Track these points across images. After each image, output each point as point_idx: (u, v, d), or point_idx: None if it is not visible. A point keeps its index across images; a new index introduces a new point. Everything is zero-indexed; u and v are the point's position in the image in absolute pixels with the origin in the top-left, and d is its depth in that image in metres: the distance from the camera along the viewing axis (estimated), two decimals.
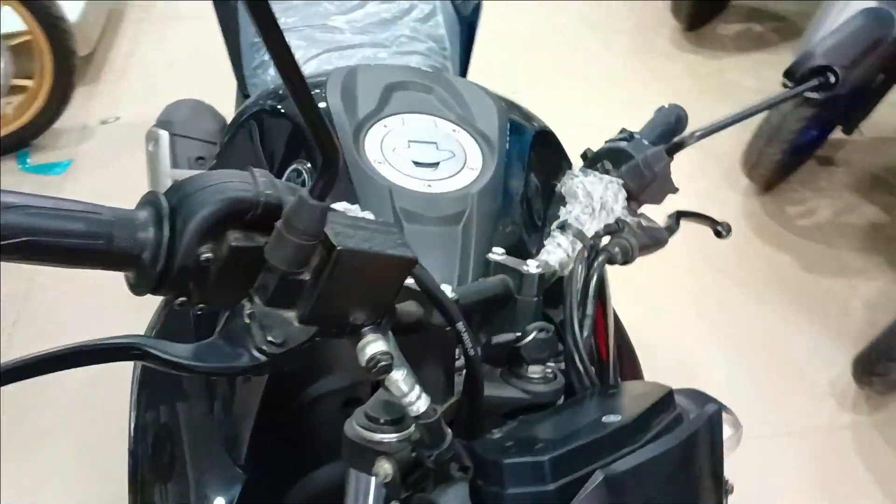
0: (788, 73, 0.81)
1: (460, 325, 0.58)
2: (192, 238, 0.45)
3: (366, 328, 0.51)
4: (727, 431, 0.79)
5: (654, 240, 0.81)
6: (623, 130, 0.85)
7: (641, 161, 0.78)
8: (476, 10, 1.54)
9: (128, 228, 0.45)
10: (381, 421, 0.56)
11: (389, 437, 0.57)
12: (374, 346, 0.51)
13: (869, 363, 1.76)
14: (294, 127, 0.88)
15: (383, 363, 0.50)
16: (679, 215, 0.90)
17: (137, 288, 0.46)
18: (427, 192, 0.79)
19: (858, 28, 0.83)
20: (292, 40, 1.32)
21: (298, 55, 1.31)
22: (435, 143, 0.84)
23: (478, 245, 0.77)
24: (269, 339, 0.47)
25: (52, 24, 2.44)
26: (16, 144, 2.61)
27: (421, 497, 0.57)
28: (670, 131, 0.87)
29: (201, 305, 0.47)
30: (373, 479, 0.58)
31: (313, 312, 0.49)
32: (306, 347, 0.50)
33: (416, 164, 0.82)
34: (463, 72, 1.49)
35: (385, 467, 0.57)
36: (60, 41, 2.49)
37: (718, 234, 0.96)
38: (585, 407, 0.65)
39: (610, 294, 1.03)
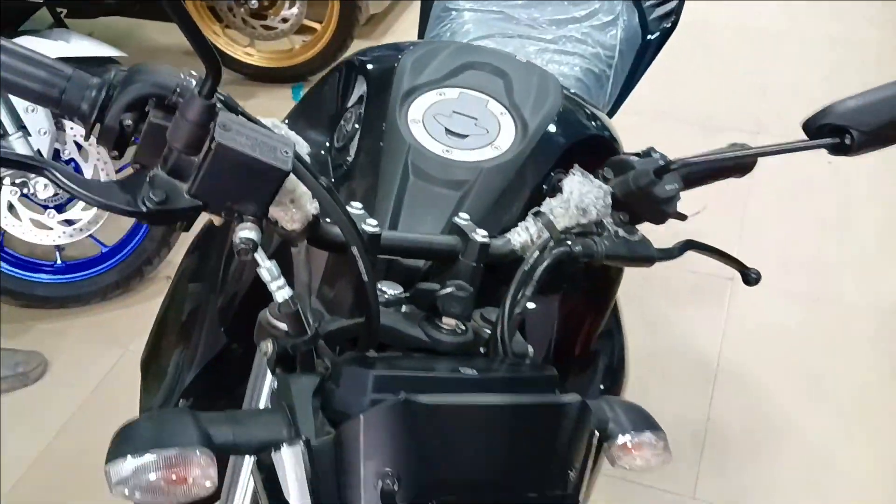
0: (805, 125, 0.78)
1: (354, 250, 0.67)
2: (119, 106, 0.60)
3: (246, 218, 0.63)
4: (651, 451, 0.79)
5: (633, 253, 0.83)
6: (650, 148, 0.87)
7: (632, 174, 0.81)
8: (665, 34, 1.55)
9: (79, 87, 0.61)
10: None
11: (275, 323, 0.68)
12: (243, 232, 0.62)
13: None
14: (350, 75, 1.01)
15: (244, 248, 0.62)
16: (688, 244, 0.90)
17: (85, 134, 0.62)
18: (442, 157, 0.88)
19: (889, 97, 0.77)
20: (467, 23, 1.44)
21: (467, 35, 1.43)
22: (476, 118, 0.92)
23: (471, 214, 0.84)
24: (152, 196, 0.61)
25: None
26: (294, 76, 3.02)
27: (284, 376, 0.68)
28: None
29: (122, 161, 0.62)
30: (259, 353, 0.71)
31: (198, 189, 0.61)
32: (190, 216, 0.62)
33: (448, 131, 0.91)
34: (628, 84, 1.52)
35: (267, 345, 0.69)
36: None
37: (746, 280, 0.94)
38: (466, 362, 0.71)
39: (620, 314, 1.05)
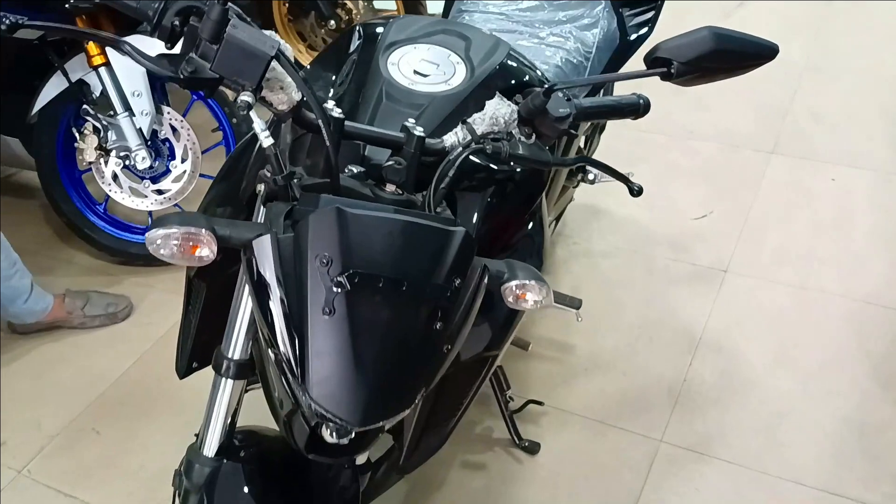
0: (644, 58, 1.09)
1: (321, 123, 1.03)
2: (171, 12, 0.99)
3: (246, 87, 0.99)
4: (534, 295, 1.10)
5: (532, 155, 1.15)
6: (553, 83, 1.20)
7: (530, 96, 1.13)
8: (642, 39, 1.87)
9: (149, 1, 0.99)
10: None
11: (267, 173, 1.04)
12: (242, 97, 0.98)
13: None
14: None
15: (242, 106, 0.98)
16: (582, 159, 1.23)
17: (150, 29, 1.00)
18: (407, 87, 1.23)
19: (701, 36, 1.08)
20: (475, 21, 1.80)
21: None
22: (438, 64, 1.27)
23: (423, 127, 1.18)
24: (188, 68, 0.98)
25: None
26: None
27: (270, 204, 1.04)
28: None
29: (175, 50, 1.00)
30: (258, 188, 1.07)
31: (216, 65, 0.97)
32: (210, 84, 0.99)
33: (415, 72, 1.26)
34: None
35: (261, 187, 1.06)
36: None
37: (631, 192, 1.25)
38: (396, 206, 1.04)
39: (544, 222, 1.36)
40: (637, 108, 1.20)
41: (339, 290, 0.94)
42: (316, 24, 3.32)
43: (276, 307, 0.96)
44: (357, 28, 1.38)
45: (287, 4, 3.32)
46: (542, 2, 1.84)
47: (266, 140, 1.00)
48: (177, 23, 1.00)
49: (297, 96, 1.04)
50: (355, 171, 1.11)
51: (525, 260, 1.18)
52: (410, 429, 1.26)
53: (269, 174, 1.04)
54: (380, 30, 1.33)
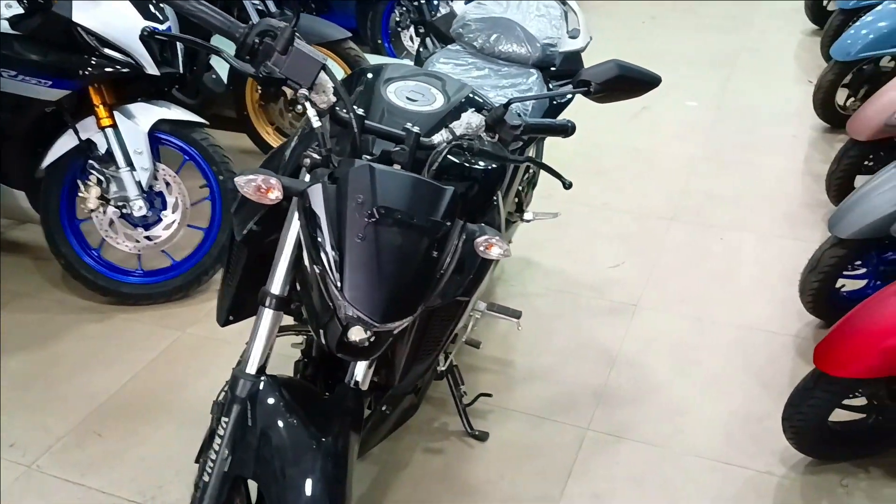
0: (572, 80, 1.60)
1: (351, 116, 1.48)
2: (253, 34, 1.44)
3: (303, 88, 1.44)
4: (498, 248, 1.55)
5: (496, 152, 1.62)
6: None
7: (493, 110, 1.61)
8: (567, 103, 2.41)
9: (234, 25, 1.45)
10: None
11: (311, 153, 1.49)
12: (301, 91, 1.43)
13: None
14: None
15: (301, 98, 1.43)
16: (528, 159, 1.70)
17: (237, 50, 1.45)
18: (402, 107, 1.70)
19: (613, 65, 1.59)
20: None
21: None
22: (423, 94, 1.76)
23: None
24: (264, 71, 1.42)
25: None
26: None
27: (314, 171, 1.47)
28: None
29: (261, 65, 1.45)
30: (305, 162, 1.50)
31: (285, 70, 1.42)
32: (279, 82, 1.43)
33: (407, 98, 1.74)
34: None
35: (307, 161, 1.49)
36: None
37: (564, 186, 1.73)
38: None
39: (501, 214, 1.81)
40: (566, 128, 1.69)
41: (369, 220, 1.36)
42: (284, 109, 3.81)
43: (323, 234, 1.38)
44: (358, 70, 1.86)
45: (259, 92, 3.81)
46: (489, 72, 2.37)
47: (316, 122, 1.45)
48: (256, 41, 1.45)
49: (333, 98, 1.50)
50: (369, 157, 1.56)
51: None
52: (402, 360, 1.65)
53: (314, 149, 1.48)
54: (377, 72, 1.82)
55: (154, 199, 2.90)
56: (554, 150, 3.10)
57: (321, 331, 1.47)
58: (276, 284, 1.55)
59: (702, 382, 2.60)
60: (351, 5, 4.77)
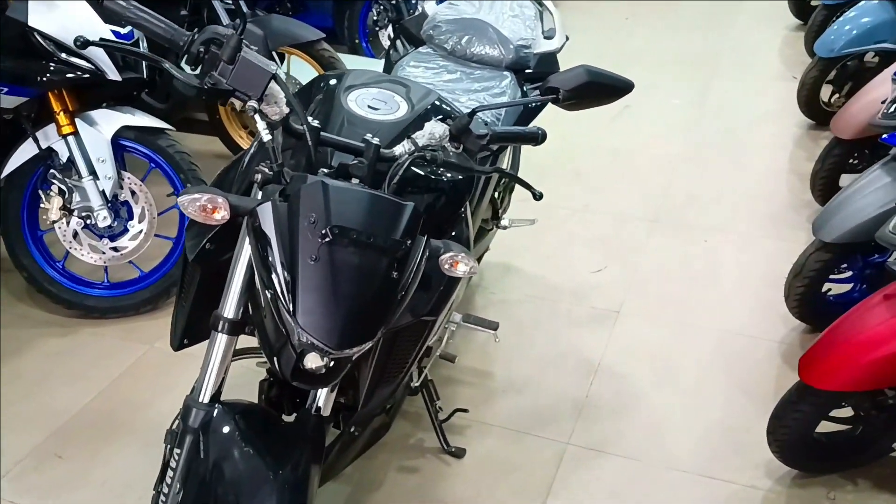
0: (540, 88, 1.51)
1: (305, 128, 1.39)
2: (198, 42, 1.35)
3: (252, 99, 1.35)
4: (464, 265, 1.46)
5: (461, 163, 1.53)
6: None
7: (458, 118, 1.53)
8: (540, 107, 2.33)
9: (180, 34, 1.36)
10: None
11: (264, 168, 1.40)
12: (250, 103, 1.34)
13: None
14: None
15: (249, 111, 1.34)
16: (497, 169, 1.62)
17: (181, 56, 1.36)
18: (362, 116, 1.62)
19: (580, 71, 1.51)
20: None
21: None
22: (385, 102, 1.67)
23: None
24: (209, 81, 1.33)
25: None
26: None
27: (266, 187, 1.38)
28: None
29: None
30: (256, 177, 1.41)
31: (231, 80, 1.33)
32: (225, 95, 1.35)
33: (369, 107, 1.65)
34: None
35: (257, 175, 1.40)
36: None
37: (535, 197, 1.64)
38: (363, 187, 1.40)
39: (470, 226, 1.73)
40: (536, 136, 1.61)
41: (322, 240, 1.28)
42: None
43: (275, 257, 1.29)
44: (318, 78, 1.77)
45: None
46: (461, 75, 2.28)
47: (266, 136, 1.36)
48: (201, 49, 1.36)
49: (286, 109, 1.41)
50: (326, 171, 1.47)
51: None
52: (366, 383, 1.57)
53: (265, 166, 1.39)
54: (339, 79, 1.73)
55: (119, 208, 2.80)
56: (533, 152, 3.01)
57: (275, 358, 1.38)
58: (230, 307, 1.47)
59: (684, 392, 2.53)
60: (328, 5, 4.67)
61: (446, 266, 1.45)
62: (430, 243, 1.42)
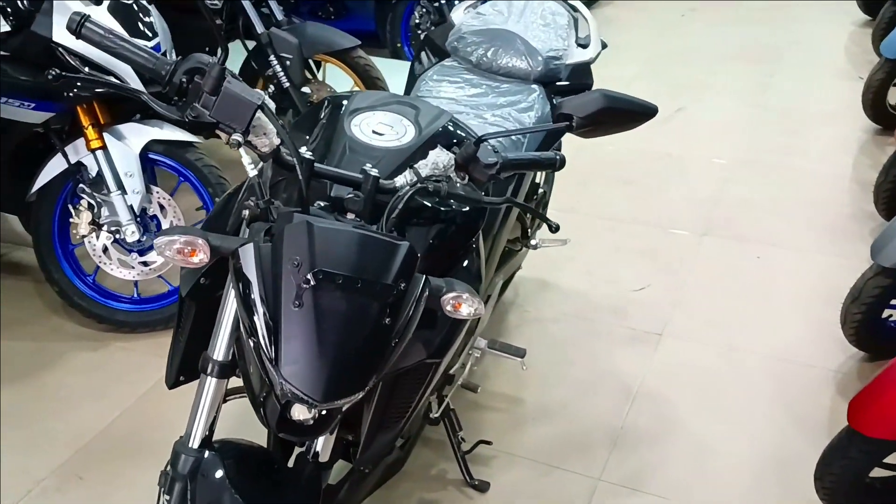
0: (552, 114, 1.39)
1: (295, 161, 1.30)
2: (180, 72, 1.26)
3: (237, 132, 1.26)
4: (468, 305, 1.35)
5: (467, 195, 1.42)
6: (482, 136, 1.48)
7: (464, 146, 1.42)
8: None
9: (161, 63, 1.28)
10: None
11: (251, 202, 1.31)
12: (234, 136, 1.25)
13: None
14: None
15: (233, 144, 1.25)
16: (508, 200, 1.50)
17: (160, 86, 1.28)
18: (366, 143, 1.51)
19: (596, 97, 1.38)
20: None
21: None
22: (392, 126, 1.56)
23: (380, 172, 1.44)
24: (191, 114, 1.25)
25: None
26: None
27: (252, 224, 1.30)
28: None
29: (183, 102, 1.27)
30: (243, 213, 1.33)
31: (215, 112, 1.24)
32: (209, 128, 1.26)
33: (374, 132, 1.55)
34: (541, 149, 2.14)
35: (245, 212, 1.31)
36: None
37: (550, 228, 1.52)
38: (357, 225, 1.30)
39: (482, 257, 1.62)
40: (554, 163, 1.48)
41: (307, 286, 1.18)
42: (293, 120, 3.66)
43: (256, 302, 1.20)
44: (326, 100, 1.68)
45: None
46: (486, 89, 2.17)
47: (251, 171, 1.27)
48: (184, 80, 1.28)
49: (276, 141, 1.32)
50: (322, 205, 1.38)
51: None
52: (366, 427, 1.47)
53: (252, 202, 1.30)
54: (345, 101, 1.63)
55: (148, 223, 2.77)
56: (576, 158, 2.87)
57: (260, 407, 1.30)
58: (219, 349, 1.39)
59: (730, 423, 2.37)
60: (369, 8, 4.59)
61: (448, 308, 1.34)
62: (431, 283, 1.32)
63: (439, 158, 1.41)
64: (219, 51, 1.30)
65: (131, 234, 2.70)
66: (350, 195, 1.35)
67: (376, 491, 1.84)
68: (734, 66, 5.06)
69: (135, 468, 2.29)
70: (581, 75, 2.28)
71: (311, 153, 1.34)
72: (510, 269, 2.41)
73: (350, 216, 1.35)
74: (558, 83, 2.25)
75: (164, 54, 2.68)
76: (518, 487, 2.18)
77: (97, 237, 2.74)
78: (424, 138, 1.55)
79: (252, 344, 1.22)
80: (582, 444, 2.31)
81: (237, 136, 1.26)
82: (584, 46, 2.35)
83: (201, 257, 1.23)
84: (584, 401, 2.47)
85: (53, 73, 1.39)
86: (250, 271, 1.22)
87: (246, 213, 1.32)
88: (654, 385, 2.53)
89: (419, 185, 1.37)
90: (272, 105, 1.31)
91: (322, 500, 1.52)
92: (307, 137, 1.59)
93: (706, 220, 3.42)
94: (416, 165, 1.41)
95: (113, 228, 2.72)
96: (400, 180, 1.40)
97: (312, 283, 1.18)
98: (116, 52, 1.29)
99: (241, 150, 1.28)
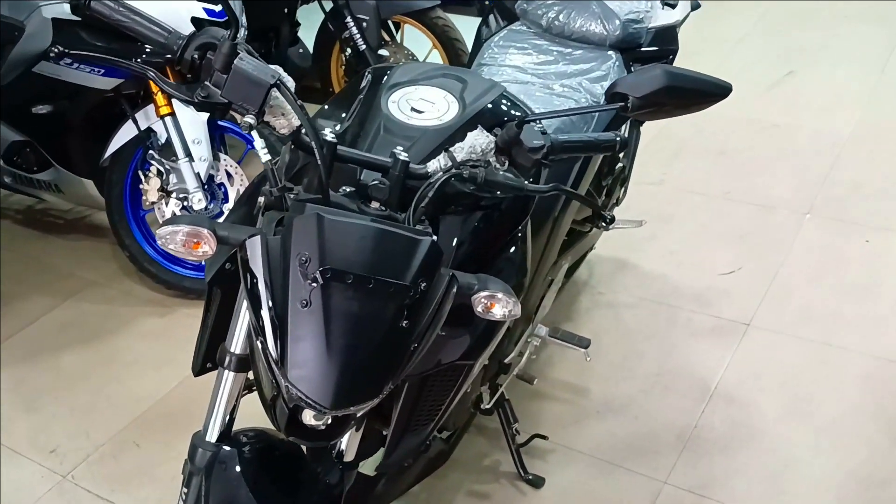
0: (605, 93, 1.21)
1: (314, 144, 1.18)
2: (191, 48, 1.16)
3: (249, 112, 1.15)
4: (502, 306, 1.21)
5: (506, 181, 1.28)
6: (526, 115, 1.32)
7: (506, 128, 1.27)
8: None
9: (174, 37, 1.17)
10: None
11: (266, 189, 1.20)
12: (246, 118, 1.14)
13: None
14: None
15: (245, 126, 1.14)
16: (556, 187, 1.34)
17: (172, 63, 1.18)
18: (403, 122, 1.38)
19: (655, 74, 1.19)
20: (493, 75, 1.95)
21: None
22: (434, 102, 1.42)
23: (412, 156, 1.31)
24: (202, 94, 1.15)
25: None
26: None
27: (266, 213, 1.19)
28: None
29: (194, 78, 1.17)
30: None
31: (226, 92, 1.14)
32: (220, 108, 1.16)
33: (413, 109, 1.41)
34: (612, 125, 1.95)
35: (261, 200, 1.21)
36: None
37: (603, 219, 1.36)
38: (376, 218, 1.18)
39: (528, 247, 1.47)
40: (613, 145, 1.32)
41: (315, 284, 1.07)
42: None
43: (263, 300, 1.10)
44: (367, 72, 1.55)
45: (343, 67, 3.57)
46: (556, 56, 1.99)
47: (264, 156, 1.16)
48: (196, 56, 1.18)
49: (296, 122, 1.21)
50: (347, 190, 1.26)
51: (505, 280, 1.29)
52: (391, 429, 1.37)
53: (267, 189, 1.20)
54: (387, 74, 1.50)
55: (216, 190, 2.74)
56: (669, 125, 2.65)
57: (269, 409, 1.21)
58: (237, 342, 1.32)
59: (816, 429, 2.15)
60: None
61: (479, 308, 1.20)
62: (460, 280, 1.18)
63: (477, 141, 1.27)
64: (231, 26, 1.18)
65: (198, 201, 2.68)
66: (375, 182, 1.23)
67: (426, 478, 1.75)
68: (854, 27, 4.61)
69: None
70: (665, 40, 2.07)
71: (333, 135, 1.22)
72: (579, 251, 2.24)
73: (375, 204, 1.23)
74: (638, 49, 2.04)
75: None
76: (575, 485, 2.05)
77: (166, 204, 2.73)
78: (467, 117, 1.40)
79: (259, 344, 1.13)
80: (649, 443, 2.15)
81: (249, 118, 1.15)
82: (672, 6, 2.13)
83: (206, 249, 1.13)
84: (654, 396, 2.30)
85: (56, 50, 1.30)
86: (256, 266, 1.12)
87: (261, 199, 1.21)
88: (734, 382, 2.32)
89: (453, 171, 1.24)
90: (291, 83, 1.20)
91: (359, 493, 1.45)
92: (343, 115, 1.47)
93: (810, 198, 3.13)
94: (451, 149, 1.27)
95: (181, 196, 2.70)
96: (433, 165, 1.27)
97: (321, 281, 1.07)
98: (127, 25, 1.20)
99: (254, 133, 1.17)
